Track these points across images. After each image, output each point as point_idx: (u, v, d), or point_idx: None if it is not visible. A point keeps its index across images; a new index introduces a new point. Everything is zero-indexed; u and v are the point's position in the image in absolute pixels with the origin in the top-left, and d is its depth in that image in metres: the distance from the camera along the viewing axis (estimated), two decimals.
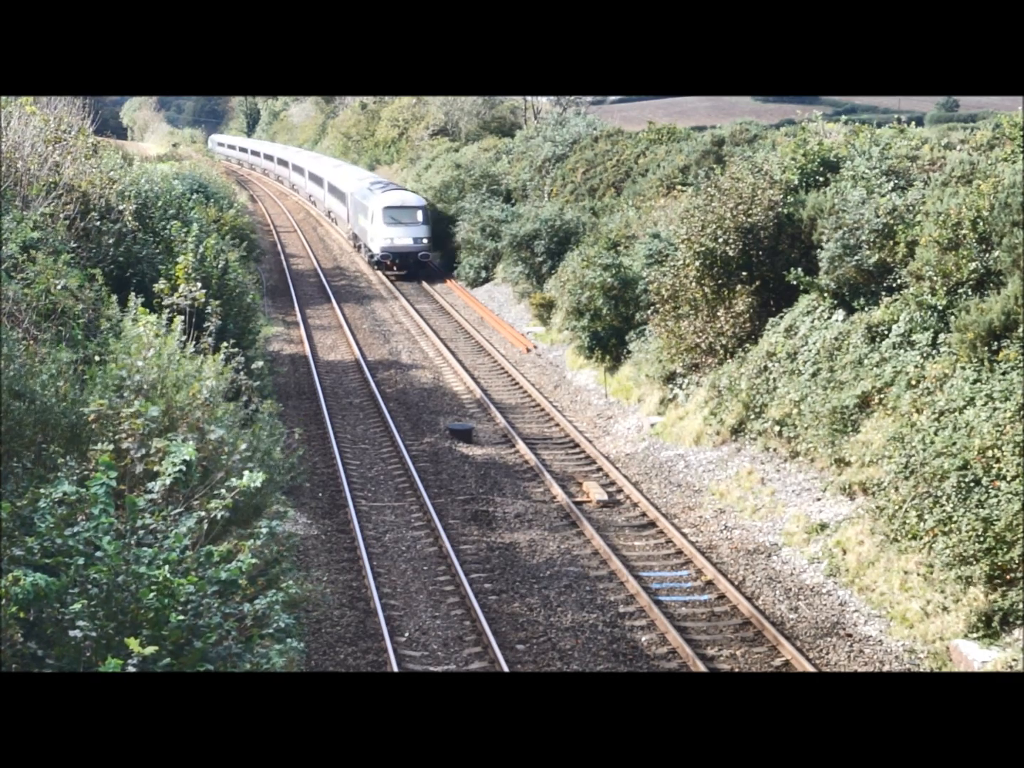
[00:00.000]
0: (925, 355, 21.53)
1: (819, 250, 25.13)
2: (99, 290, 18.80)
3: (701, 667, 17.00)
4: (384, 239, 52.46)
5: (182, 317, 17.04)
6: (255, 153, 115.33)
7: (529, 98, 73.54)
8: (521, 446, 27.84)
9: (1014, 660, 16.01)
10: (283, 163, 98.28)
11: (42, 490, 10.37)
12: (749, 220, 26.94)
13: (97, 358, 15.34)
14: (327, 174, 74.17)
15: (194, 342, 17.16)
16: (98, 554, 9.63)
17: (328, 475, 25.86)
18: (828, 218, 25.31)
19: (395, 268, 52.67)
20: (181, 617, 9.45)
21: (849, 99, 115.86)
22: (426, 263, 52.69)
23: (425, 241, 52.52)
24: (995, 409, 18.71)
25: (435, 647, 17.97)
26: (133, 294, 17.31)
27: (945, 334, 21.38)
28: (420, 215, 52.82)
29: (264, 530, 11.77)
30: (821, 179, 27.61)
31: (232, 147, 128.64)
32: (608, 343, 33.51)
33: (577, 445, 28.38)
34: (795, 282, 25.61)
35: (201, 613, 9.69)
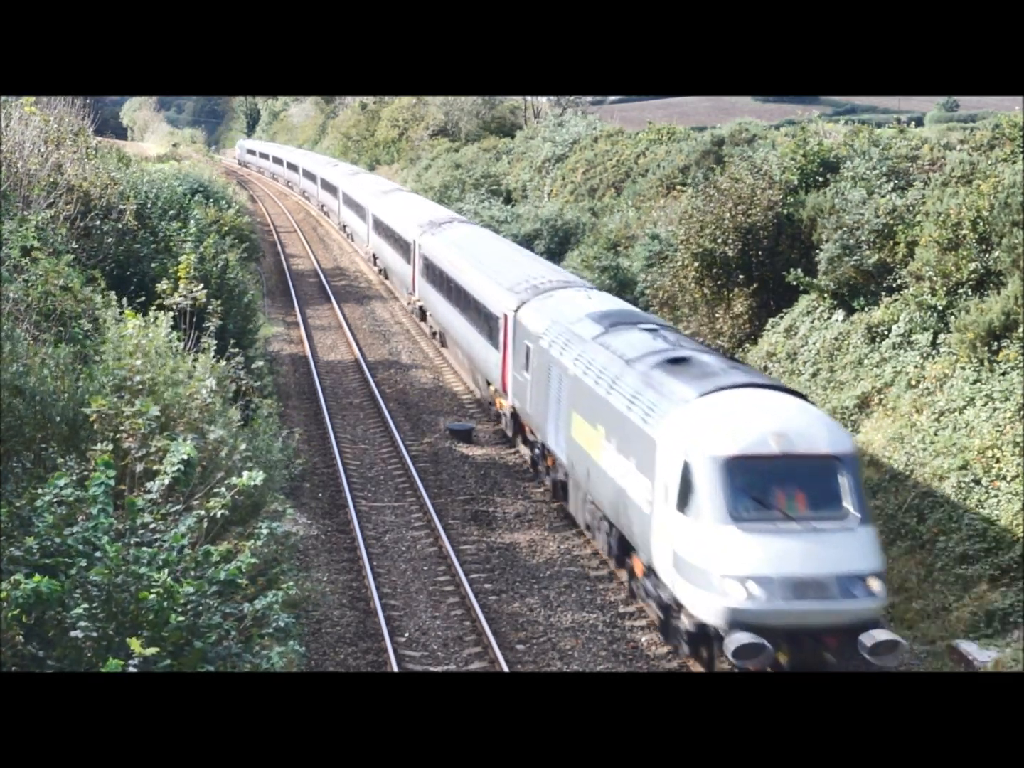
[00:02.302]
0: (925, 355, 21.54)
1: (819, 250, 25.13)
2: (102, 294, 18.79)
3: (701, 667, 16.98)
4: (737, 581, 14.69)
5: (171, 315, 16.87)
6: (292, 167, 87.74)
7: (529, 98, 73.58)
8: (521, 446, 27.82)
9: (1014, 660, 16.00)
10: (330, 188, 67.32)
11: (40, 490, 10.36)
12: (748, 220, 26.94)
13: (97, 358, 15.32)
14: (430, 245, 36.08)
15: (194, 342, 17.14)
16: (97, 554, 9.62)
17: (328, 475, 25.84)
18: (828, 218, 25.32)
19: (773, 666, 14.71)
20: (181, 618, 9.44)
21: (849, 99, 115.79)
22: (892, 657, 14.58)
23: (876, 589, 14.82)
24: (995, 409, 18.71)
25: (435, 647, 17.96)
26: (126, 296, 17.24)
27: (945, 334, 21.38)
28: (848, 484, 15.25)
29: (264, 530, 11.76)
30: (821, 179, 27.61)
31: (264, 156, 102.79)
32: None
33: None
34: (795, 282, 25.61)
35: (201, 613, 9.68)
